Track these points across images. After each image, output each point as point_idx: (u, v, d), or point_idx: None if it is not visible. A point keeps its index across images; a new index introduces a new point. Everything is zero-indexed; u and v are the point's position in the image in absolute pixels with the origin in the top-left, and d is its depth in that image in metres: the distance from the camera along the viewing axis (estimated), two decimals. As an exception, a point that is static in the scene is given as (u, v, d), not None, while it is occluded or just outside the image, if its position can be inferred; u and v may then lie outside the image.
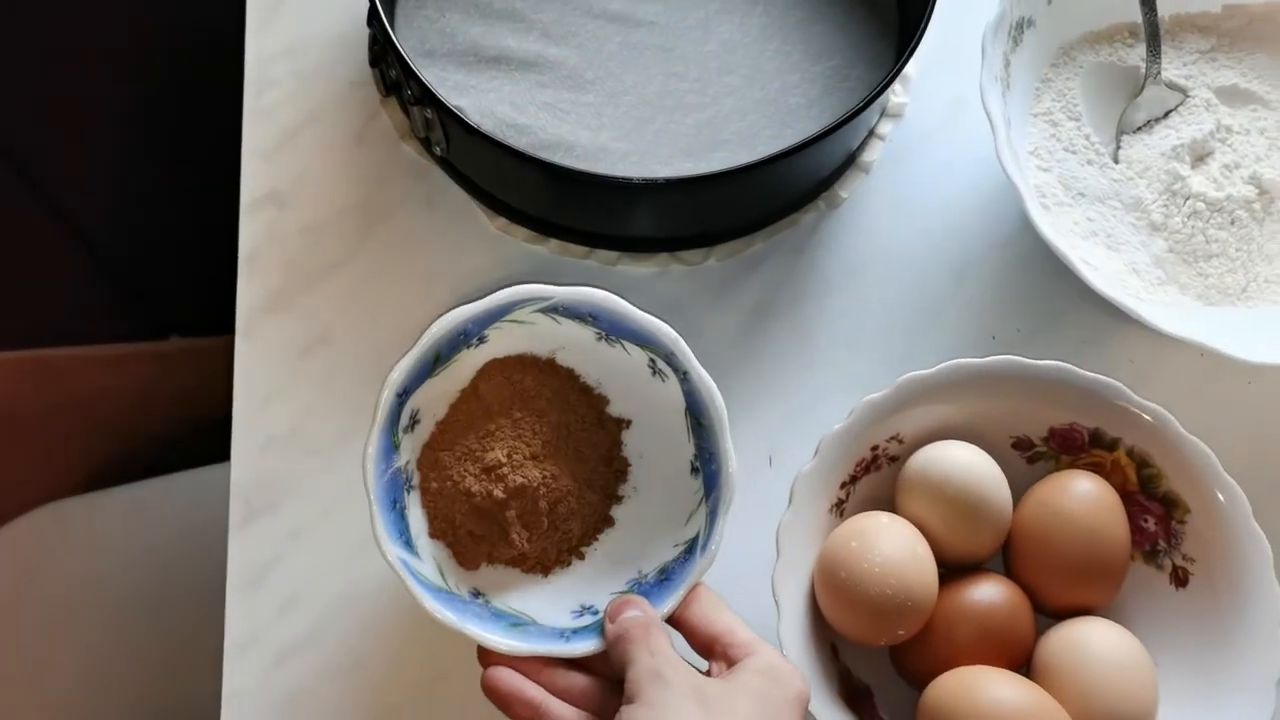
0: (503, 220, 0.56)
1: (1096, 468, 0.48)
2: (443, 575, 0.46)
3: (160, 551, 0.75)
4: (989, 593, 0.45)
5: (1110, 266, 0.52)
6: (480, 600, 0.46)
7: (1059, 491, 0.46)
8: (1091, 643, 0.44)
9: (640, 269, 0.55)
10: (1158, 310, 0.51)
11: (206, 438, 0.57)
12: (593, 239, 0.56)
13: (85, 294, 0.88)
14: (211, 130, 0.62)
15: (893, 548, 0.44)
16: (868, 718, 0.45)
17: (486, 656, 0.43)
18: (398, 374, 0.45)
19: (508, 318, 0.47)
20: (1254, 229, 0.53)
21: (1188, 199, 0.53)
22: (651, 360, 0.48)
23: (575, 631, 0.44)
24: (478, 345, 0.47)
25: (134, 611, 0.73)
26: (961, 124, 0.57)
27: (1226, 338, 0.48)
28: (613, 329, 0.48)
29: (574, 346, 0.48)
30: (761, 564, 0.45)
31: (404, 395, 0.46)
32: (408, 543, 0.45)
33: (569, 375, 0.49)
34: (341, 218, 0.55)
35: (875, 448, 0.47)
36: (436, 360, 0.47)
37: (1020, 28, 0.53)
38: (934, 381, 0.47)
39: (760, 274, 0.55)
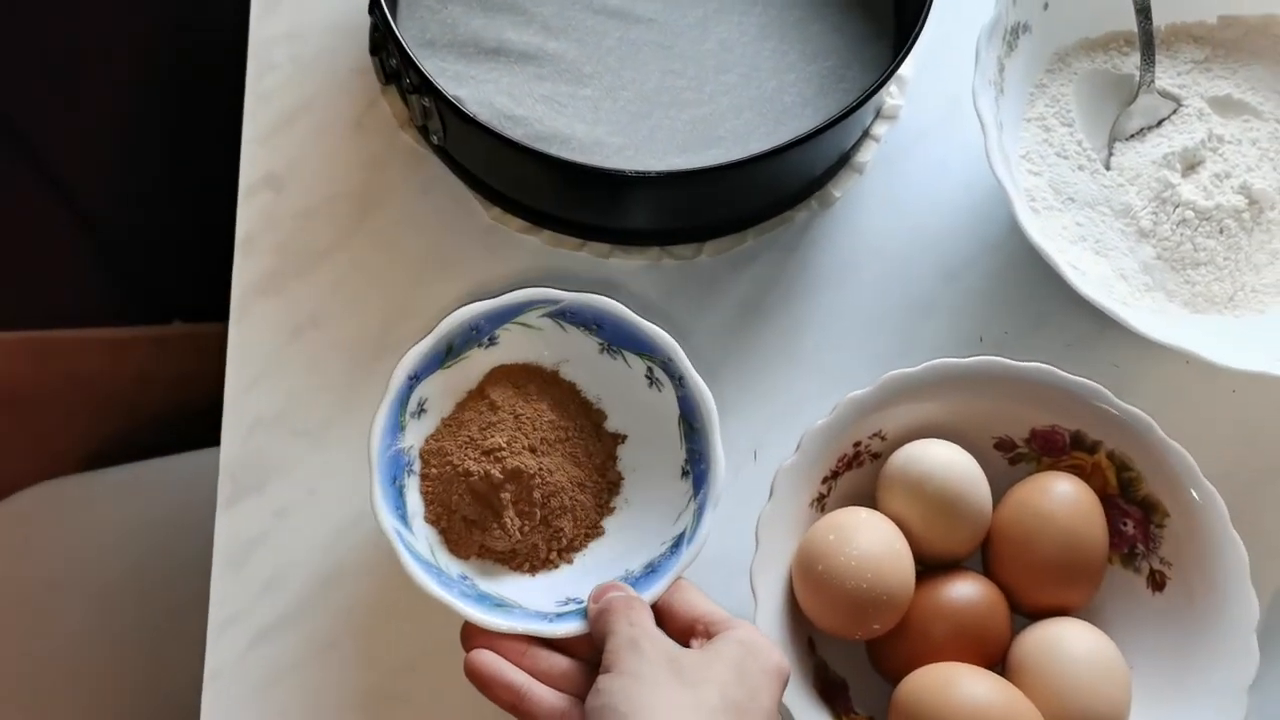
0: (497, 210, 0.56)
1: (1077, 470, 0.48)
2: (434, 555, 0.47)
3: (153, 531, 0.76)
4: (966, 590, 0.45)
5: (1098, 271, 0.53)
6: (467, 582, 0.46)
7: (1039, 492, 0.46)
8: (1066, 643, 0.44)
9: (632, 262, 0.56)
10: (1144, 316, 0.51)
11: (203, 421, 0.57)
12: (586, 231, 0.56)
13: (87, 277, 0.89)
14: (215, 116, 0.63)
15: (870, 542, 0.44)
16: (842, 711, 0.46)
17: (470, 640, 0.43)
18: (411, 357, 0.47)
19: (518, 319, 0.50)
20: (1242, 238, 0.53)
21: (1177, 207, 0.53)
22: (649, 370, 0.50)
23: (559, 615, 0.45)
24: (488, 346, 0.49)
25: (125, 590, 0.74)
26: (955, 127, 0.57)
27: (1212, 345, 0.49)
28: (615, 337, 0.50)
29: (578, 360, 0.51)
30: (742, 557, 0.45)
31: (414, 380, 0.48)
32: (402, 518, 0.46)
33: (571, 389, 0.51)
34: (337, 203, 0.56)
35: (858, 444, 0.48)
36: (448, 352, 0.49)
37: (1015, 33, 0.54)
38: (918, 380, 0.47)
39: (751, 271, 0.56)
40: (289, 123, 0.57)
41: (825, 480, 0.47)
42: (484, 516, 0.47)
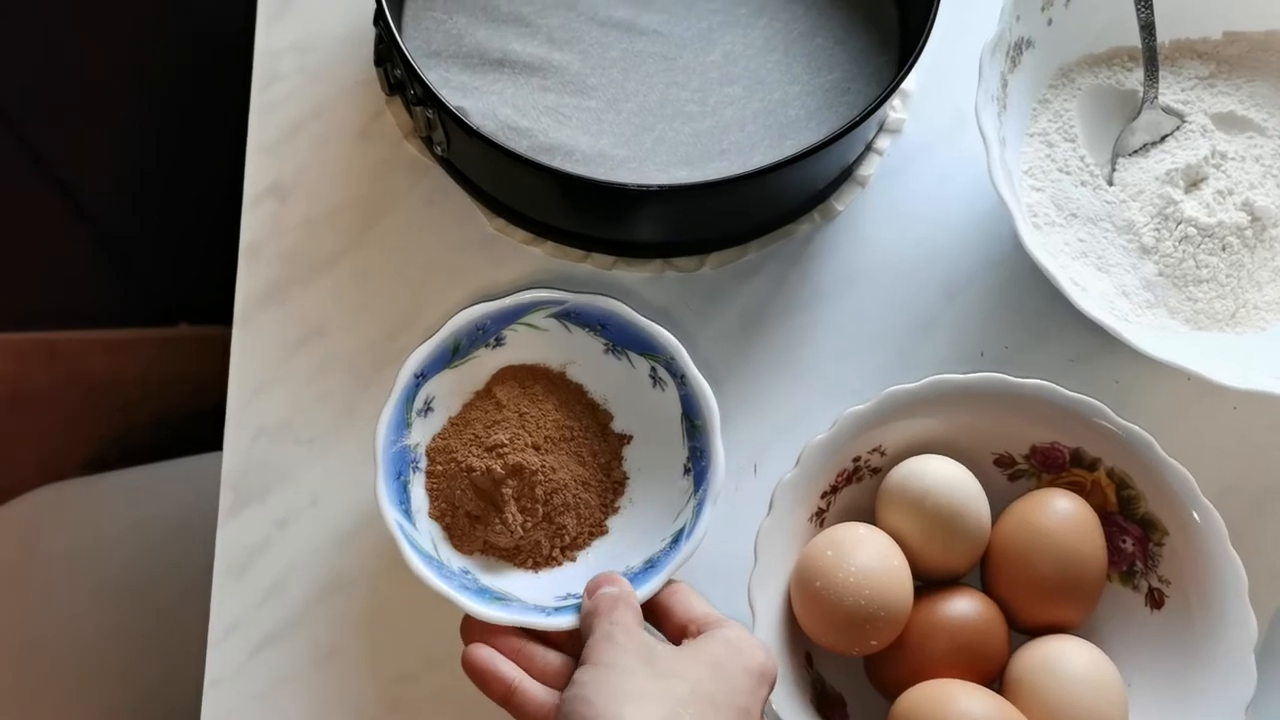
0: (501, 221, 0.57)
1: (1077, 487, 0.48)
2: (436, 549, 0.47)
3: (156, 536, 0.76)
4: (963, 607, 0.45)
5: (1100, 288, 0.53)
6: (469, 576, 0.47)
7: (1037, 509, 0.46)
8: (1063, 661, 0.44)
9: (635, 274, 0.56)
10: (1145, 333, 0.51)
11: (207, 424, 0.58)
12: (589, 242, 0.56)
13: (92, 278, 0.89)
14: (220, 121, 0.63)
15: (869, 558, 0.44)
16: (839, 726, 0.46)
17: (468, 635, 0.44)
18: (417, 355, 0.48)
19: (524, 320, 0.51)
20: (1245, 256, 0.53)
21: (1180, 223, 0.53)
22: (653, 369, 0.51)
23: (556, 609, 0.45)
24: (495, 347, 0.50)
25: (127, 594, 0.74)
26: (958, 142, 0.58)
27: (1213, 363, 0.49)
28: (619, 337, 0.51)
29: (584, 360, 0.51)
30: (743, 570, 0.45)
31: (421, 378, 0.49)
32: (406, 513, 0.47)
33: (578, 390, 0.52)
34: (341, 213, 0.56)
35: (857, 459, 0.48)
36: (455, 351, 0.50)
37: (1019, 48, 0.54)
38: (917, 396, 0.47)
39: (753, 283, 0.56)
40: (294, 132, 0.57)
41: (825, 495, 0.48)
42: (486, 512, 0.48)
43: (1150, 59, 0.55)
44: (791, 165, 0.51)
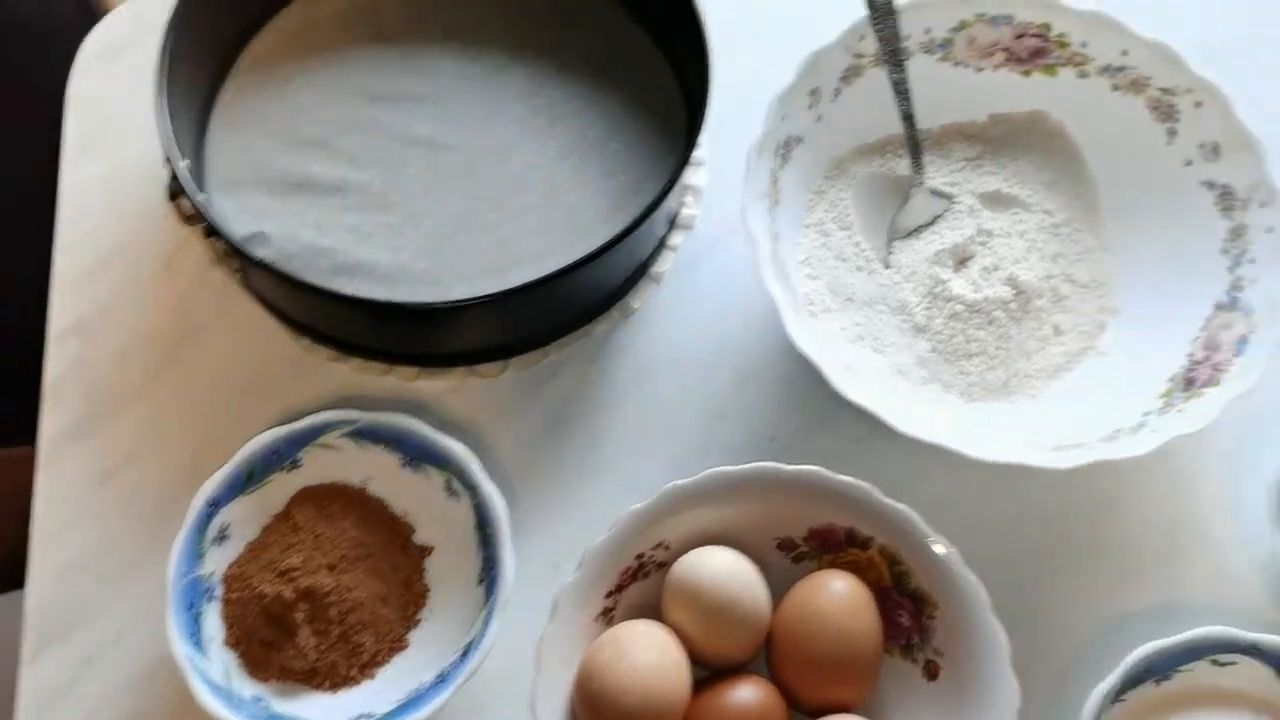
0: (306, 340, 0.58)
1: (854, 566, 0.50)
2: (229, 678, 0.48)
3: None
4: (743, 695, 0.47)
5: (876, 368, 0.55)
6: (261, 704, 0.47)
7: (814, 591, 0.48)
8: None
9: (438, 383, 0.57)
10: (919, 409, 0.54)
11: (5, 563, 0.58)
12: (391, 357, 0.58)
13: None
14: (29, 255, 0.64)
15: (644, 656, 0.45)
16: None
17: None
18: (210, 484, 0.49)
19: (318, 441, 0.52)
20: (1011, 328, 0.56)
21: (948, 301, 0.56)
22: (448, 481, 0.53)
23: None
24: (291, 469, 0.51)
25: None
26: (744, 235, 0.60)
27: (981, 434, 0.51)
28: (414, 451, 0.52)
29: (382, 476, 0.53)
30: (534, 674, 0.47)
31: (214, 506, 0.50)
32: (197, 644, 0.48)
33: (379, 505, 0.53)
34: (148, 344, 0.57)
35: (640, 556, 0.50)
36: (250, 478, 0.51)
37: (788, 146, 0.57)
38: (695, 490, 0.49)
39: (555, 385, 0.58)
40: (101, 267, 0.59)
41: (610, 594, 0.49)
42: (279, 637, 0.48)
43: (914, 148, 0.58)
44: (583, 267, 0.53)
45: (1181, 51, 0.56)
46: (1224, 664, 0.49)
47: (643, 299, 0.60)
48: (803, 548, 0.51)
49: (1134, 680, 0.48)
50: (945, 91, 0.60)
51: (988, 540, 0.51)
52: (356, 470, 0.53)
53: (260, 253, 0.54)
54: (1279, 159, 0.54)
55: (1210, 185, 0.56)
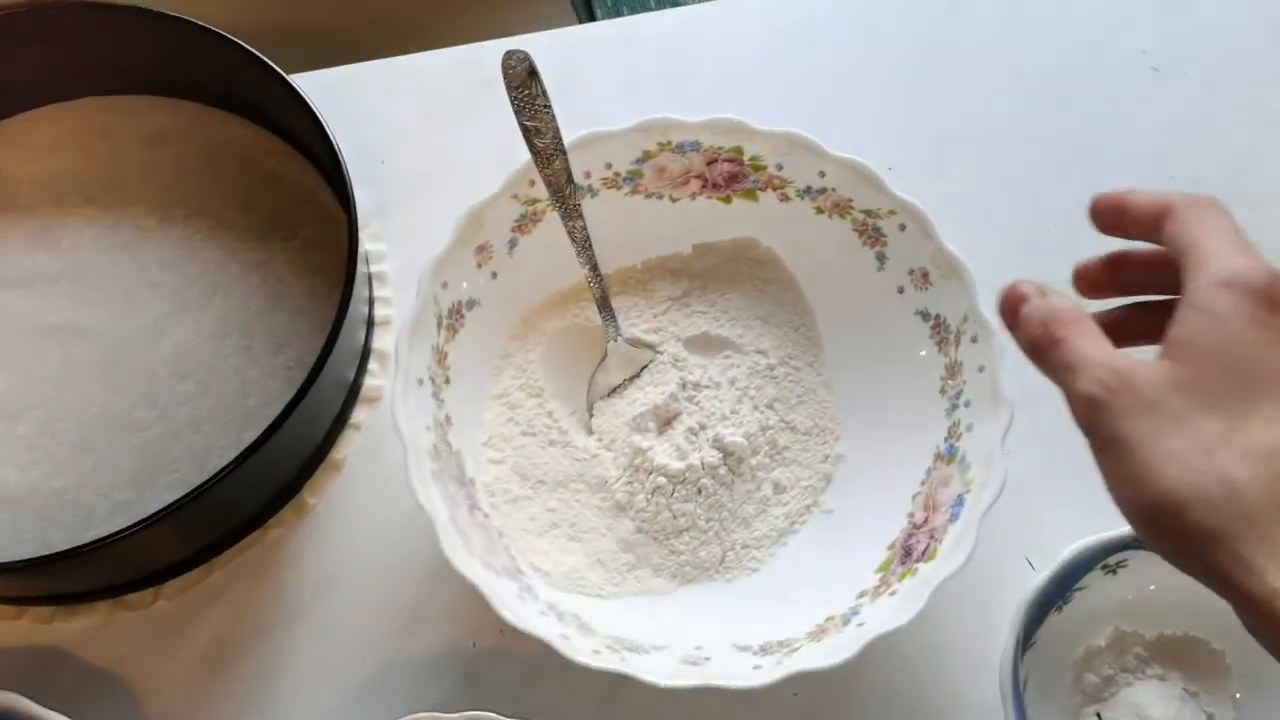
0: (-79, 587, 0.50)
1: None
2: None
3: None
4: None
5: (571, 563, 0.49)
6: None
7: None
8: None
9: (79, 623, 0.50)
10: (626, 600, 0.48)
11: None
12: (22, 600, 0.50)
13: None
14: None
15: None
16: None
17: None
18: None
19: None
20: (723, 495, 0.50)
21: (650, 473, 0.50)
22: None
23: None
24: None
25: None
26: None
27: (707, 616, 0.46)
28: None
29: None
30: None
31: None
32: None
33: None
34: None
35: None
36: None
37: (457, 313, 0.50)
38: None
39: (219, 608, 0.51)
40: None
41: None
42: None
43: (602, 299, 0.52)
44: (245, 464, 0.46)
45: (879, 171, 0.51)
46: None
47: (321, 492, 0.53)
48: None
49: None
50: (644, 225, 0.54)
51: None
52: None
53: None
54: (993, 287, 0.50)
55: (924, 315, 0.51)
